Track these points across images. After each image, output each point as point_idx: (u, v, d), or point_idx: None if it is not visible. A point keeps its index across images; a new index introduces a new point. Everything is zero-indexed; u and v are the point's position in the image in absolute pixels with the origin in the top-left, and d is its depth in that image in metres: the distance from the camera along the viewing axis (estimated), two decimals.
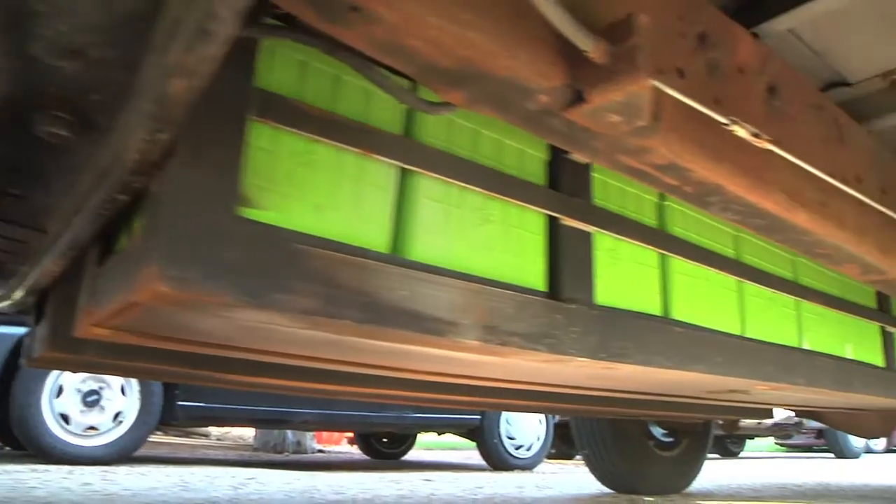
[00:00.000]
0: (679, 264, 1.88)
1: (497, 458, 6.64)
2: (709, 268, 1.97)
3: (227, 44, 0.78)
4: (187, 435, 11.73)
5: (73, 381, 4.65)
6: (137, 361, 1.70)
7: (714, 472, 6.78)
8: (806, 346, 2.35)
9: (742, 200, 1.40)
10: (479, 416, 6.52)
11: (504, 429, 6.69)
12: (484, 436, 6.62)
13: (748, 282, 2.13)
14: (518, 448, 6.81)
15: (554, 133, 1.15)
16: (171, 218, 1.00)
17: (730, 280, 2.07)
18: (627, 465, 3.91)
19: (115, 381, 4.77)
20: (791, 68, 1.51)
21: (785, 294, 2.30)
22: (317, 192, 1.20)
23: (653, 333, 1.68)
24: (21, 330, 4.45)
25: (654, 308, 1.79)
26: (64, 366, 1.89)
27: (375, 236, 1.27)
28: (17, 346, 4.45)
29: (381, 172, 1.30)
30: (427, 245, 1.33)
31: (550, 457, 8.78)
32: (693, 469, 4.27)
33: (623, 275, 1.72)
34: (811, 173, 1.45)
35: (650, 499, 3.81)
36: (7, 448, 5.75)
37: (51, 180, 1.34)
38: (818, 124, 1.58)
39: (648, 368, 1.67)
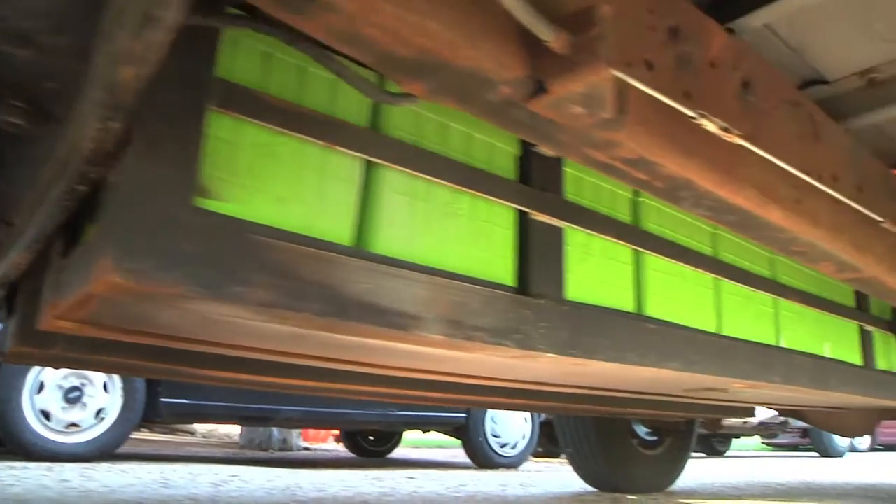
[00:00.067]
0: (653, 261, 1.88)
1: (482, 457, 6.63)
2: (684, 265, 1.96)
3: (174, 30, 0.76)
4: (173, 432, 11.68)
5: (55, 378, 4.60)
6: (107, 356, 1.68)
7: (698, 471, 6.80)
8: (783, 345, 2.35)
9: (713, 196, 1.39)
10: (464, 415, 6.51)
11: (489, 427, 6.68)
12: (469, 434, 6.61)
13: (725, 279, 2.13)
14: (503, 446, 6.80)
15: (519, 125, 1.14)
16: (126, 208, 0.99)
17: (706, 277, 2.07)
18: (611, 464, 3.90)
19: (98, 377, 4.73)
20: (767, 64, 1.51)
21: (763, 292, 2.30)
22: (279, 185, 1.19)
23: (625, 330, 1.67)
24: None
25: (627, 304, 1.79)
26: (33, 360, 1.87)
27: (339, 229, 1.26)
28: None
29: (345, 165, 1.29)
30: (392, 238, 1.32)
31: (536, 455, 8.80)
32: (676, 468, 4.28)
33: (595, 271, 1.71)
34: (785, 170, 1.45)
35: (633, 497, 3.81)
36: None
37: (12, 171, 1.32)
38: (794, 121, 1.57)
39: (621, 365, 1.66)
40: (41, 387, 4.55)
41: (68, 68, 0.97)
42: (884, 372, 2.93)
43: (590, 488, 4.11)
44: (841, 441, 12.39)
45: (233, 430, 11.23)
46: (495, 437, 6.74)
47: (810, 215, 1.60)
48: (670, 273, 1.93)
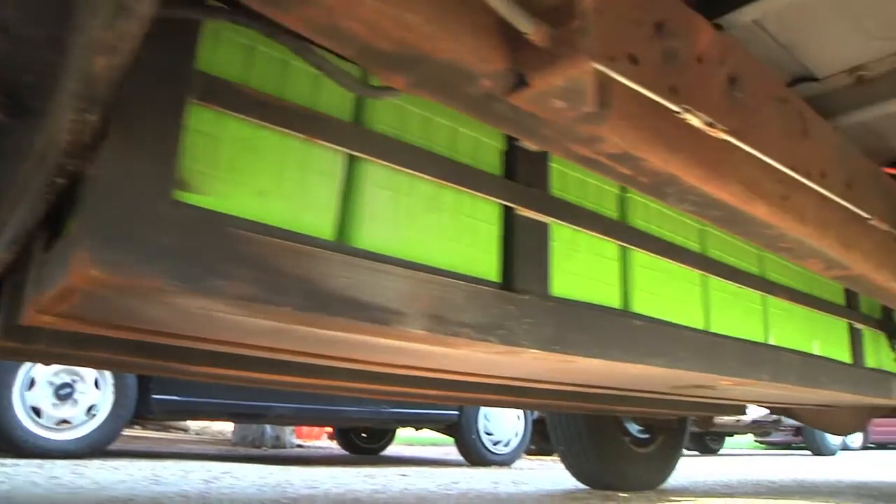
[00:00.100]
0: (640, 257, 1.87)
1: (475, 454, 6.64)
2: (672, 261, 1.96)
3: (147, 20, 0.76)
4: (165, 430, 11.65)
5: (46, 374, 4.59)
6: (93, 351, 1.67)
7: (691, 469, 6.82)
8: (772, 342, 2.35)
9: (698, 191, 1.38)
10: (456, 412, 6.51)
11: (482, 424, 6.69)
12: (462, 431, 6.61)
13: (713, 276, 2.12)
14: (496, 444, 6.80)
15: (501, 119, 1.13)
16: (103, 201, 0.98)
17: (694, 274, 2.06)
18: (603, 462, 3.91)
19: (89, 373, 4.72)
20: (755, 60, 1.50)
21: (751, 289, 2.29)
22: (260, 178, 1.18)
23: (611, 326, 1.66)
24: None
25: (614, 301, 1.78)
26: (17, 355, 1.86)
27: (320, 223, 1.25)
28: None
29: (327, 159, 1.28)
30: (374, 233, 1.32)
31: (529, 453, 8.80)
32: (668, 465, 4.28)
33: (581, 267, 1.71)
34: (772, 166, 1.44)
35: (625, 495, 3.81)
36: None
37: None
38: (781, 117, 1.57)
39: (608, 362, 1.65)
40: (32, 383, 4.53)
41: (46, 60, 0.96)
42: (873, 370, 2.93)
43: (582, 486, 4.11)
44: (833, 439, 12.43)
45: (225, 428, 11.23)
46: (488, 434, 6.75)
47: (797, 212, 1.60)
48: (657, 269, 1.92)
